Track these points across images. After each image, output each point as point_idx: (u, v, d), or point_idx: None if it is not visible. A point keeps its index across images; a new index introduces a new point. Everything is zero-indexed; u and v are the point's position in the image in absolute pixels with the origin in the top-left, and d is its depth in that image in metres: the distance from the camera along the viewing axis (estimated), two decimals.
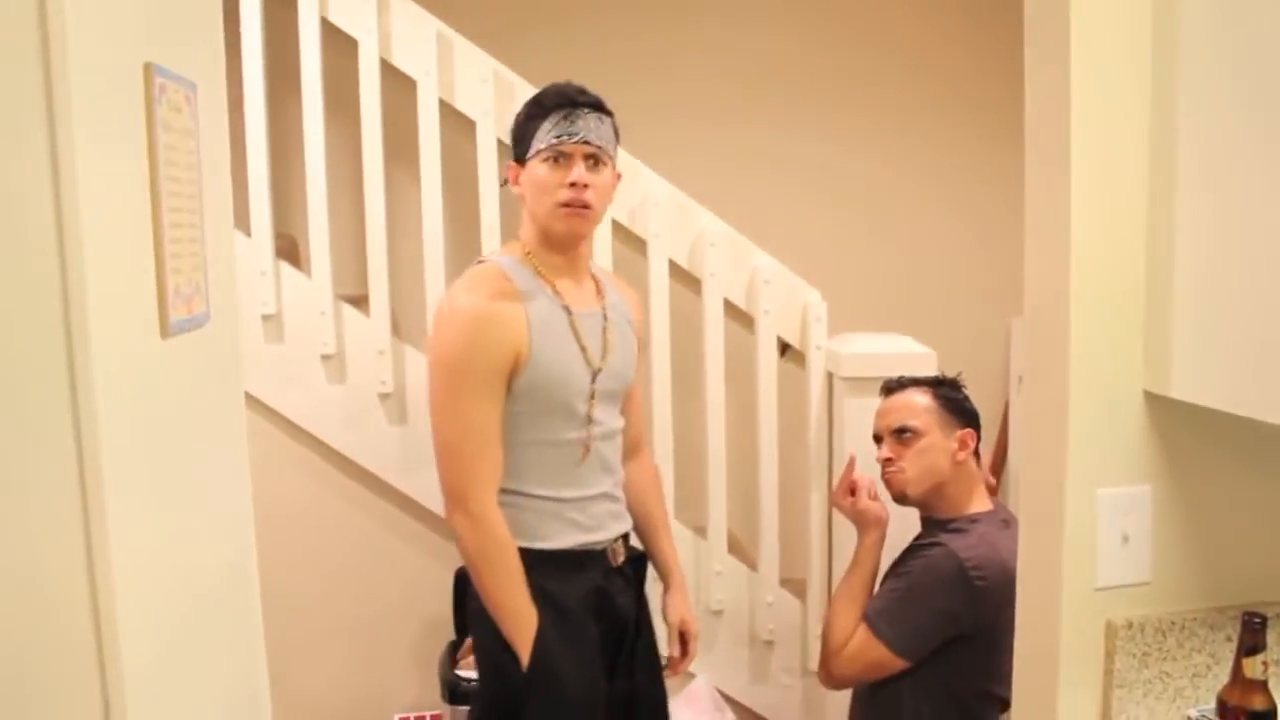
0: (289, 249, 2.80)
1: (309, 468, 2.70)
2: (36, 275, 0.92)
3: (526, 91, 2.66)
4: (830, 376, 2.72)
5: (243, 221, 2.52)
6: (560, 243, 1.94)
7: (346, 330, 2.65)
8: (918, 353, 2.62)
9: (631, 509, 2.14)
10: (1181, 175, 1.30)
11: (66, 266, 0.92)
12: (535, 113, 1.90)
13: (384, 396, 2.66)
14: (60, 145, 0.92)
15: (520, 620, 1.85)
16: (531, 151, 1.89)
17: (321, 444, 2.68)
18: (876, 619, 2.03)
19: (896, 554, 2.18)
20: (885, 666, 2.03)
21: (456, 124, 2.67)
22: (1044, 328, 1.40)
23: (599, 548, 1.97)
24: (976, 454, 2.15)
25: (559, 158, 1.88)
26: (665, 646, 2.19)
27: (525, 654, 1.84)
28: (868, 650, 2.03)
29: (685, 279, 2.73)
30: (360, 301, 2.69)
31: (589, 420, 1.94)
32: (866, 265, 3.38)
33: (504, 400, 1.86)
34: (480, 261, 1.99)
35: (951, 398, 2.14)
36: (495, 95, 2.63)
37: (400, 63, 2.62)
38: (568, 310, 1.94)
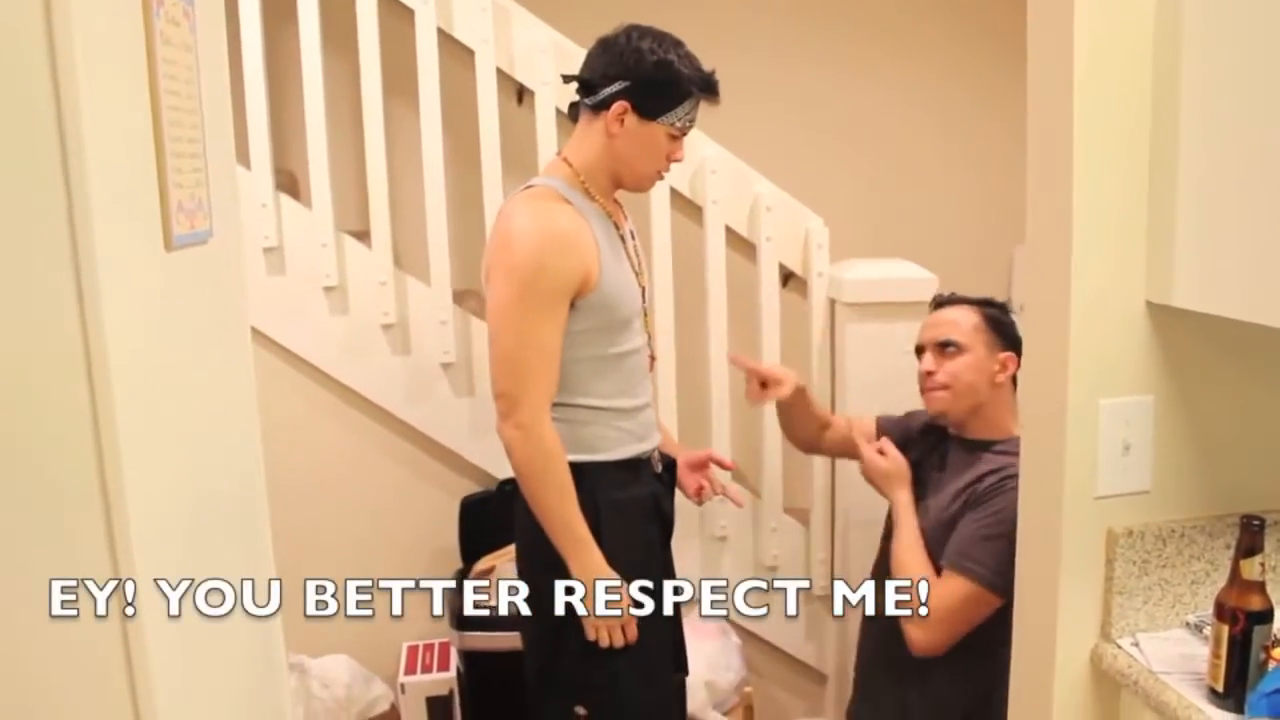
0: (289, 185, 2.78)
1: (312, 400, 2.71)
2: (41, 184, 0.92)
3: (524, 18, 2.64)
4: (832, 303, 2.72)
5: (242, 155, 2.51)
6: (618, 187, 2.04)
7: (348, 262, 2.65)
8: (921, 278, 2.62)
9: None
10: (1185, 83, 1.29)
11: (70, 173, 0.92)
12: (688, 89, 1.95)
13: (387, 328, 2.67)
14: (60, 55, 0.92)
15: (571, 532, 1.89)
16: (666, 120, 1.94)
17: (325, 375, 2.69)
18: (974, 566, 1.93)
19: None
20: (983, 609, 1.94)
21: (455, 53, 2.65)
22: (1047, 238, 1.41)
23: (646, 455, 2.05)
24: (1014, 380, 2.10)
25: (679, 134, 1.98)
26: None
27: (574, 566, 1.89)
28: (968, 599, 1.93)
29: (686, 206, 2.72)
30: (362, 237, 2.68)
31: (647, 333, 2.05)
32: (869, 193, 3.36)
33: (565, 319, 1.90)
34: (529, 186, 2.00)
35: (999, 319, 2.11)
36: (494, 23, 2.60)
37: None
38: (618, 230, 2.02)
